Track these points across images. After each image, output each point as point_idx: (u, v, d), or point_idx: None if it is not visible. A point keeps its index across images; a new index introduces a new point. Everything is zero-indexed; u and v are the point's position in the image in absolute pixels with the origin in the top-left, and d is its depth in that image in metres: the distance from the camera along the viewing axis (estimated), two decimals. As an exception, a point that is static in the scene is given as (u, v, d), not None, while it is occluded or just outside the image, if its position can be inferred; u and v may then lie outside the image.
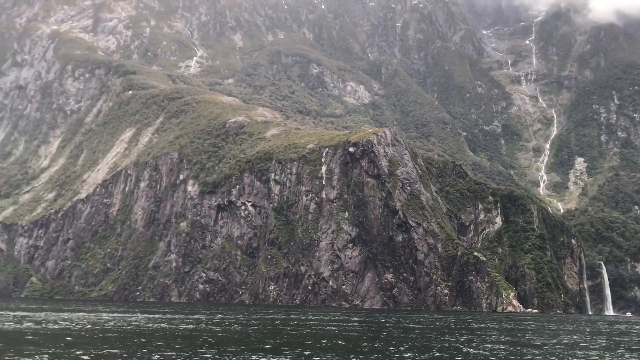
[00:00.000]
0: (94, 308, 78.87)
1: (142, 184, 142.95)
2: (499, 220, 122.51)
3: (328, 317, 64.02)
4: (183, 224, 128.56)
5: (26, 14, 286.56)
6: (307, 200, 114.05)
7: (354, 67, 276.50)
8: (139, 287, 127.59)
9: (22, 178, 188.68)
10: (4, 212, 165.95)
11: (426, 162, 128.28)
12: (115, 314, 61.66)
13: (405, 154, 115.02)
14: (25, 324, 46.31)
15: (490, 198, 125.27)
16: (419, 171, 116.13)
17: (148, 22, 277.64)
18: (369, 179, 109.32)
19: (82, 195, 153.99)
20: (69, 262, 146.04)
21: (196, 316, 61.65)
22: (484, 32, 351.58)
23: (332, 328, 48.45)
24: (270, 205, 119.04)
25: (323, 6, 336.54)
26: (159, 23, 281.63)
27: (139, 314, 63.12)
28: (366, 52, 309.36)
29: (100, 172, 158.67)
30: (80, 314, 62.36)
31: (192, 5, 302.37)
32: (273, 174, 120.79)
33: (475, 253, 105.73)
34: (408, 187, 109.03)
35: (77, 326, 45.39)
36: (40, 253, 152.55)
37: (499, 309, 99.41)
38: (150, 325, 47.85)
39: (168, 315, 61.90)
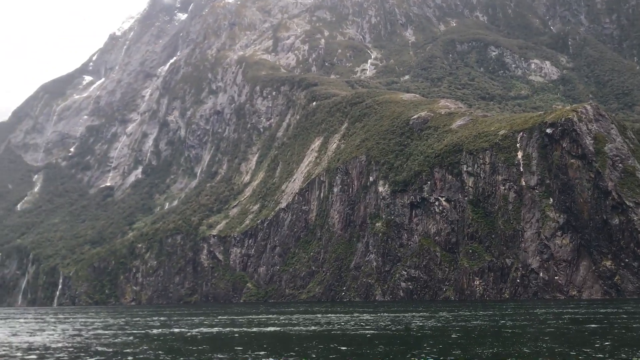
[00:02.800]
0: (366, 309, 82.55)
1: (336, 189, 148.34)
2: None
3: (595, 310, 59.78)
4: (378, 224, 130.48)
5: (215, 45, 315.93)
6: (505, 189, 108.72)
7: (536, 43, 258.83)
8: (344, 288, 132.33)
9: (229, 194, 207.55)
10: (218, 226, 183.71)
11: (637, 134, 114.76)
12: (404, 315, 62.80)
13: (612, 129, 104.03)
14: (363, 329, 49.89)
15: None
16: (631, 145, 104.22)
17: (322, 34, 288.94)
18: (572, 160, 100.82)
19: (283, 205, 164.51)
20: (277, 267, 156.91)
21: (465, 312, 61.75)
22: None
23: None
24: (465, 198, 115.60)
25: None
26: (332, 33, 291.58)
27: (411, 313, 64.51)
28: (548, 25, 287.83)
29: (296, 181, 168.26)
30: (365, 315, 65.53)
31: (361, 9, 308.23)
32: (465, 166, 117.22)
33: None
34: (620, 165, 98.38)
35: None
36: (252, 261, 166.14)
37: None
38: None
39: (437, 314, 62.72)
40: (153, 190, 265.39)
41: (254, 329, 49.04)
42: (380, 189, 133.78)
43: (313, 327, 48.13)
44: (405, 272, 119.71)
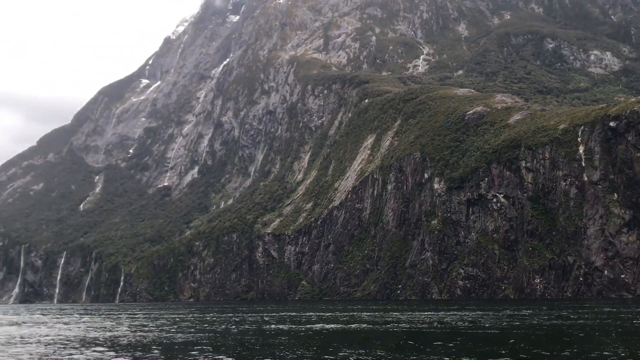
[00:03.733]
0: (441, 307, 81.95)
1: (389, 187, 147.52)
2: None
3: None
4: (434, 222, 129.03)
5: (267, 45, 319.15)
6: (566, 185, 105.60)
7: (596, 33, 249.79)
8: (399, 286, 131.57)
9: (282, 192, 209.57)
10: (273, 224, 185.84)
11: None
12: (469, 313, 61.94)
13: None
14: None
15: None
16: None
17: (373, 31, 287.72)
18: (639, 154, 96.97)
19: (336, 203, 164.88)
20: (332, 265, 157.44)
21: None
22: None
23: None
24: (525, 194, 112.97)
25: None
26: (383, 29, 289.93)
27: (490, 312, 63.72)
28: (608, 14, 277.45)
29: (349, 179, 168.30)
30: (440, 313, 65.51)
31: (412, 5, 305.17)
32: (523, 162, 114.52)
33: None
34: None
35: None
36: (306, 258, 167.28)
37: None
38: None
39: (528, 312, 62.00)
40: (209, 189, 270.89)
41: (350, 326, 48.23)
42: (436, 186, 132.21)
43: (409, 325, 47.50)
44: (462, 271, 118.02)
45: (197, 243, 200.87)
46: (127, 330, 50.07)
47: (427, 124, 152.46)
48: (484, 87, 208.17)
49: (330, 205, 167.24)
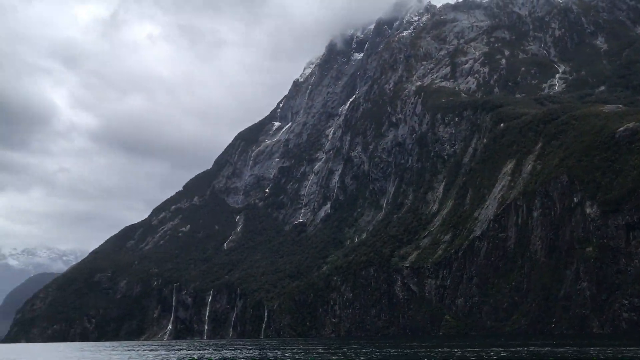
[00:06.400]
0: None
1: (535, 213, 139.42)
2: None
3: None
4: (589, 249, 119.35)
5: (392, 79, 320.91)
6: None
7: None
8: (554, 319, 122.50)
9: (417, 224, 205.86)
10: (410, 257, 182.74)
11: None
12: None
13: None
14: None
15: None
16: None
17: (502, 54, 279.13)
18: None
19: (477, 233, 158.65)
20: (476, 298, 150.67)
21: None
22: None
23: None
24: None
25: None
26: (513, 51, 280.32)
27: None
28: None
29: (489, 208, 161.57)
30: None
31: (542, 24, 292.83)
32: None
33: None
34: None
35: None
36: (448, 292, 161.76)
37: None
38: None
39: None
40: (342, 224, 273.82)
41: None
42: (588, 210, 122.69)
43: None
44: (626, 301, 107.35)
45: (335, 278, 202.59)
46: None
47: (573, 144, 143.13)
48: (632, 101, 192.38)
49: (471, 236, 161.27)
